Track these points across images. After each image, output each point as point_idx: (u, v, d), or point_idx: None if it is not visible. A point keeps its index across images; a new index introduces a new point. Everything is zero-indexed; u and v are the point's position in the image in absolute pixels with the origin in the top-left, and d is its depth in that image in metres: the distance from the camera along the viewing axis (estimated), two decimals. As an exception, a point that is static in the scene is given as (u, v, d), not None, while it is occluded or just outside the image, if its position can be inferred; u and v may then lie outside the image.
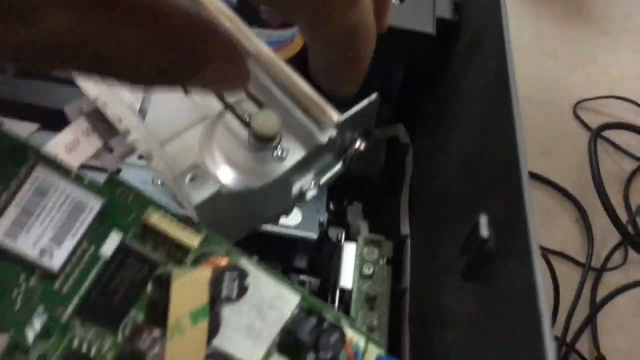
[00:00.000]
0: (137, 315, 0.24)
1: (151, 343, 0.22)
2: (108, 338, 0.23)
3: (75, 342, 0.23)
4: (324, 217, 0.42)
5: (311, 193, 0.29)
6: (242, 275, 0.24)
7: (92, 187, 0.22)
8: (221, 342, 0.25)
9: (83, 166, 0.30)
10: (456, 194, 0.33)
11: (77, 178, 0.22)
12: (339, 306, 0.37)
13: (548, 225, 0.62)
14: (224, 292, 0.23)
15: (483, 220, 0.27)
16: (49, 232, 0.21)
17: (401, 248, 0.39)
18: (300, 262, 0.42)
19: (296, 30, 0.32)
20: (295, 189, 0.29)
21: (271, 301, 0.26)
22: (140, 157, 0.30)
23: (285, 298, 0.26)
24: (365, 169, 0.45)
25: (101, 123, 0.30)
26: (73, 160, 0.30)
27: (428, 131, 0.41)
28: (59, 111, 0.32)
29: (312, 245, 0.41)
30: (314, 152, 0.28)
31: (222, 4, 0.33)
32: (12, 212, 0.21)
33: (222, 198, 0.26)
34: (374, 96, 0.28)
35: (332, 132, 0.27)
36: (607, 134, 0.66)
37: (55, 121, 0.33)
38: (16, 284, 0.21)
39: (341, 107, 0.30)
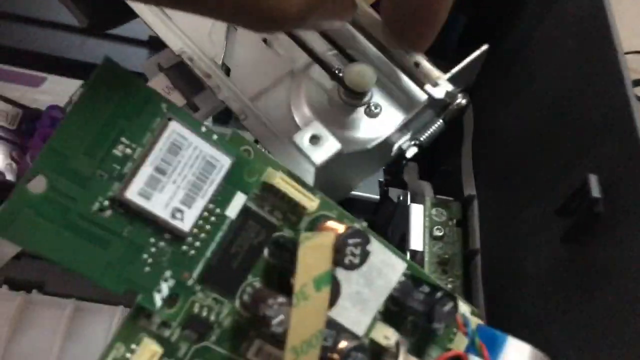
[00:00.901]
0: (254, 281, 0.23)
1: (277, 309, 0.21)
2: (227, 303, 0.22)
3: (196, 308, 0.21)
4: (382, 177, 0.41)
5: (412, 151, 0.28)
6: (365, 240, 0.22)
7: (222, 143, 0.21)
8: (332, 310, 0.24)
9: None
10: (541, 153, 0.32)
11: (207, 133, 0.20)
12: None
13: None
14: (348, 258, 0.22)
15: (593, 180, 0.26)
16: (180, 191, 0.20)
17: (467, 209, 0.38)
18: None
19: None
20: (396, 147, 0.28)
21: (379, 268, 0.25)
22: (226, 116, 0.28)
23: (392, 265, 0.25)
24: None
25: (182, 80, 0.28)
26: None
27: (492, 86, 0.40)
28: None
29: (371, 206, 0.40)
30: (421, 110, 0.27)
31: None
32: (146, 170, 0.19)
33: (341, 158, 0.24)
34: (483, 47, 0.27)
35: (448, 87, 0.26)
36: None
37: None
38: (146, 246, 0.20)
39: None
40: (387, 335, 0.25)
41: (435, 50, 0.43)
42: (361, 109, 0.29)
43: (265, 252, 0.23)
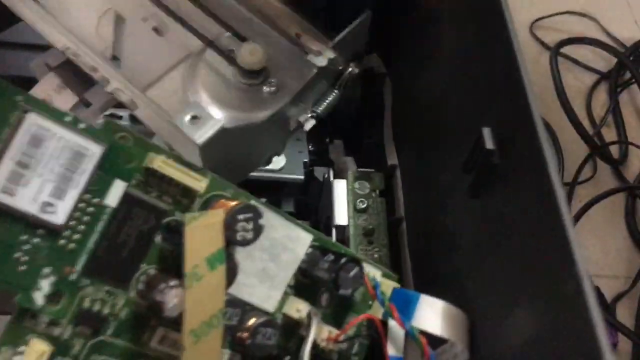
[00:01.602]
0: (148, 268, 0.22)
1: (169, 293, 0.21)
2: (121, 295, 0.22)
3: (87, 302, 0.21)
4: (307, 158, 0.40)
5: (310, 123, 0.28)
6: (257, 214, 0.22)
7: (90, 132, 0.20)
8: (235, 288, 0.24)
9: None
10: (449, 115, 0.32)
11: (73, 123, 0.20)
12: (336, 244, 0.36)
13: (517, 146, 0.62)
14: (240, 234, 0.22)
15: (487, 133, 0.26)
16: (48, 184, 0.19)
17: (391, 179, 0.38)
18: (288, 206, 0.41)
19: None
20: (293, 121, 0.28)
21: (284, 243, 0.25)
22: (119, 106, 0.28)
23: (298, 238, 0.25)
24: (341, 106, 0.43)
25: (73, 76, 0.28)
26: None
27: (406, 57, 0.40)
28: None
29: (299, 187, 0.40)
30: (311, 81, 0.27)
31: None
32: (6, 165, 0.18)
33: (226, 136, 0.24)
34: (365, 15, 0.27)
35: (330, 54, 0.26)
36: (565, 50, 0.66)
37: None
38: (18, 244, 0.19)
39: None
40: (298, 309, 0.25)
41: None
42: (262, 88, 0.29)
43: (158, 238, 0.22)
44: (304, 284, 0.26)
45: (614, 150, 0.61)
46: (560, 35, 0.68)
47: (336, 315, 0.27)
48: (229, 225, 0.21)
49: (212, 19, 0.29)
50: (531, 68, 0.71)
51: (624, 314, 0.52)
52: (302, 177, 0.39)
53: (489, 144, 0.26)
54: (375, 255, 0.34)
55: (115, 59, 0.28)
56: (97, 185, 0.21)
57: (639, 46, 0.66)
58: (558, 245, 0.22)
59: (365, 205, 0.36)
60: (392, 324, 0.26)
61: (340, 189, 0.37)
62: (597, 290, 0.52)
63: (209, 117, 0.23)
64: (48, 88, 0.28)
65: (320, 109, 0.28)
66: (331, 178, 0.37)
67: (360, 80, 0.44)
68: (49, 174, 0.19)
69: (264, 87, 0.29)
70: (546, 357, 0.22)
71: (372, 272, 0.27)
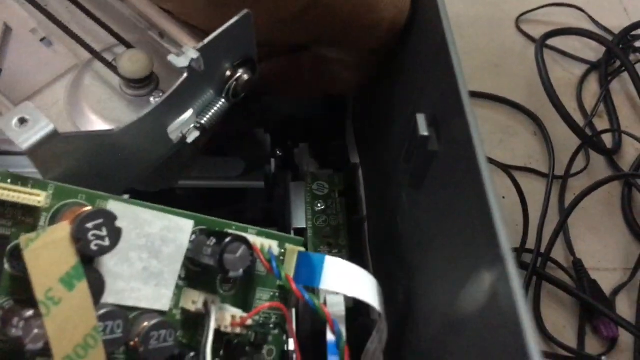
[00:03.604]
0: (3, 302, 0.21)
1: (25, 326, 0.19)
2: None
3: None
4: (269, 163, 0.40)
5: (193, 135, 0.26)
6: (109, 217, 0.20)
7: None
8: (117, 297, 0.23)
9: None
10: (394, 106, 0.32)
11: None
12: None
13: (507, 142, 0.61)
14: (94, 243, 0.20)
15: (421, 119, 0.25)
16: None
17: (353, 177, 0.37)
18: (254, 214, 0.40)
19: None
20: (176, 132, 0.26)
21: (163, 235, 0.23)
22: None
23: (177, 227, 0.24)
24: (305, 108, 0.43)
25: None
26: None
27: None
28: None
29: (262, 194, 0.39)
30: (182, 87, 0.25)
31: None
32: None
33: (66, 141, 0.22)
34: (244, 12, 0.25)
35: (193, 55, 0.24)
36: (553, 42, 0.64)
37: None
38: None
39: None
40: (194, 300, 0.24)
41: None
42: (149, 99, 0.28)
43: (7, 266, 0.21)
44: (197, 272, 0.25)
45: (607, 140, 0.60)
46: (547, 28, 0.66)
47: (245, 294, 0.26)
48: (78, 237, 0.20)
49: (101, 28, 0.29)
50: (519, 62, 0.70)
51: (624, 307, 0.50)
52: (262, 183, 0.38)
53: (423, 129, 0.25)
54: (335, 257, 0.33)
55: None
56: None
57: (627, 33, 0.64)
58: (485, 228, 0.20)
59: (323, 206, 0.35)
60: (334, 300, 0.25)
61: (297, 191, 0.36)
62: (595, 284, 0.50)
63: (39, 121, 0.21)
64: None
65: (205, 119, 0.27)
66: (289, 181, 0.37)
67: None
68: None
69: (151, 98, 0.27)
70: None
71: (267, 243, 0.25)
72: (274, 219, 0.40)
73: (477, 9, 0.70)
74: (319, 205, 0.35)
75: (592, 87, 0.64)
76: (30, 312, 0.19)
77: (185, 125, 0.26)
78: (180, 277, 0.24)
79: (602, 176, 0.57)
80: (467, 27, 0.68)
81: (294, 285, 0.23)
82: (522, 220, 0.52)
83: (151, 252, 0.23)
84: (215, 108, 0.27)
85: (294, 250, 0.25)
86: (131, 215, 0.23)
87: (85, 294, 0.20)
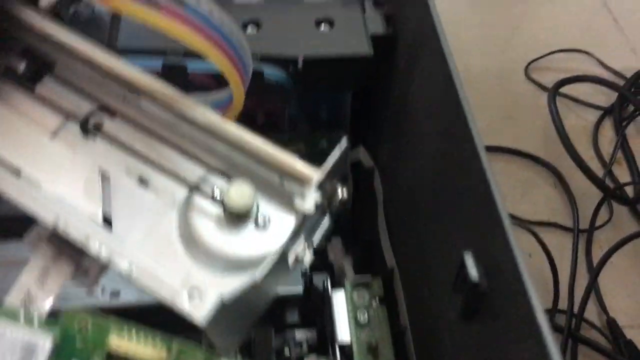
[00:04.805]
0: None
1: None
2: None
3: None
4: (305, 266, 0.40)
5: (308, 258, 0.27)
6: None
7: (41, 324, 0.20)
8: None
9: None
10: (429, 217, 0.32)
11: (26, 318, 0.20)
12: (341, 360, 0.35)
13: (529, 195, 0.61)
14: None
15: (470, 262, 0.25)
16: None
17: (391, 282, 0.37)
18: (292, 317, 0.40)
19: (234, 87, 0.30)
20: (291, 259, 0.27)
21: None
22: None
23: None
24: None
25: (67, 244, 0.28)
26: (48, 292, 0.28)
27: (388, 150, 0.40)
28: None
29: (298, 301, 0.39)
30: (303, 221, 0.26)
31: (148, 76, 0.30)
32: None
33: (230, 304, 0.24)
34: (343, 142, 0.27)
35: (317, 198, 0.26)
36: (564, 89, 0.64)
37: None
38: None
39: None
40: None
41: (333, 124, 0.43)
42: (251, 224, 0.29)
43: None
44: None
45: (629, 188, 0.59)
46: (556, 74, 0.66)
47: None
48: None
49: (193, 161, 0.29)
50: (532, 111, 0.70)
51: (662, 368, 0.49)
52: (300, 289, 0.38)
53: (474, 274, 0.25)
54: (383, 372, 0.33)
55: (106, 220, 0.28)
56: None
57: (638, 77, 0.64)
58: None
59: (366, 317, 0.35)
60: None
61: (339, 301, 0.36)
62: (631, 344, 0.50)
63: (206, 293, 0.23)
64: (44, 259, 0.28)
65: (316, 240, 0.28)
66: (329, 289, 0.37)
67: (350, 174, 0.43)
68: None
69: (253, 225, 0.28)
70: None
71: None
72: (312, 321, 0.40)
73: (485, 60, 0.70)
74: (362, 316, 0.35)
75: (608, 133, 0.64)
76: None
77: (299, 249, 0.27)
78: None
79: (627, 227, 0.57)
80: (477, 78, 0.68)
81: None
82: (552, 277, 0.52)
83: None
84: (324, 228, 0.28)
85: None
86: None
87: None
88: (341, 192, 0.29)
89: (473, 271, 0.25)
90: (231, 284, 0.26)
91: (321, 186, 0.27)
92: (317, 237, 0.29)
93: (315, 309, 0.40)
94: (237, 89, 0.30)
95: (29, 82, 0.31)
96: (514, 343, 0.23)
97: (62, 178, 0.29)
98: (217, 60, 0.28)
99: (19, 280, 0.28)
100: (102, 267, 0.29)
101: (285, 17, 0.37)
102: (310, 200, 0.26)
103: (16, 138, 0.30)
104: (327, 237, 0.29)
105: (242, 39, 0.29)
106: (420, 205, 0.34)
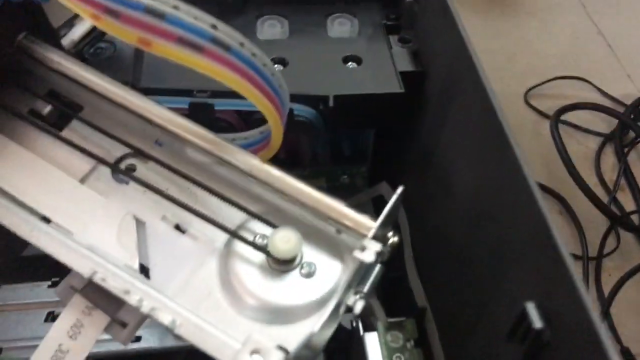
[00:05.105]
0: None
1: None
2: None
3: None
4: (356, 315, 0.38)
5: (359, 306, 0.26)
6: None
7: None
8: None
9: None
10: (473, 263, 0.31)
11: None
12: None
13: (534, 224, 0.61)
14: None
15: (532, 311, 0.24)
16: None
17: (423, 321, 0.36)
18: (319, 357, 0.39)
19: (268, 127, 0.29)
20: (343, 308, 0.26)
21: None
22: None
23: None
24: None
25: (102, 295, 0.26)
26: (82, 347, 0.27)
27: (414, 185, 0.39)
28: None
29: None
30: (359, 271, 0.26)
31: (182, 118, 0.29)
32: None
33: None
34: (399, 190, 0.26)
35: (377, 247, 0.25)
36: (564, 116, 0.65)
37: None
38: None
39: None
40: None
41: (354, 160, 0.42)
42: (296, 272, 0.28)
43: None
44: None
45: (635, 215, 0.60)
46: (555, 101, 0.67)
47: None
48: None
49: (233, 207, 0.28)
50: (533, 138, 0.70)
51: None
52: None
53: (537, 322, 0.24)
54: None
55: (143, 268, 0.27)
56: None
57: (638, 104, 0.65)
58: None
59: (402, 361, 0.34)
60: None
61: (372, 344, 0.35)
62: (646, 373, 0.50)
63: (269, 348, 0.22)
64: (77, 312, 0.27)
65: (367, 288, 0.27)
66: (361, 331, 0.36)
67: (372, 209, 0.43)
68: None
69: (299, 271, 0.27)
70: None
71: None
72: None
73: (485, 87, 0.70)
74: (398, 360, 0.34)
75: (610, 159, 0.64)
76: None
77: (352, 298, 0.26)
78: None
79: (634, 254, 0.58)
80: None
81: None
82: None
83: None
84: (374, 274, 0.27)
85: None
86: None
87: None
88: (392, 238, 0.28)
89: (536, 320, 0.24)
90: (283, 336, 0.25)
91: (377, 235, 0.26)
92: (368, 285, 0.28)
93: (341, 352, 0.39)
94: (277, 129, 0.29)
95: (55, 125, 0.30)
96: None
97: (95, 225, 0.28)
98: (257, 101, 0.27)
99: (49, 335, 0.27)
100: (141, 319, 0.27)
101: (311, 55, 0.37)
102: (370, 251, 0.26)
103: (44, 184, 0.29)
104: (378, 284, 0.28)
105: (281, 80, 0.28)
106: (454, 248, 0.33)
